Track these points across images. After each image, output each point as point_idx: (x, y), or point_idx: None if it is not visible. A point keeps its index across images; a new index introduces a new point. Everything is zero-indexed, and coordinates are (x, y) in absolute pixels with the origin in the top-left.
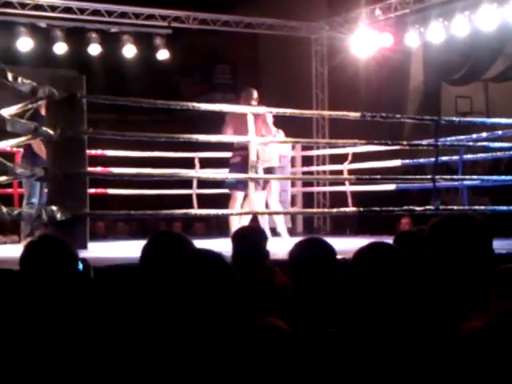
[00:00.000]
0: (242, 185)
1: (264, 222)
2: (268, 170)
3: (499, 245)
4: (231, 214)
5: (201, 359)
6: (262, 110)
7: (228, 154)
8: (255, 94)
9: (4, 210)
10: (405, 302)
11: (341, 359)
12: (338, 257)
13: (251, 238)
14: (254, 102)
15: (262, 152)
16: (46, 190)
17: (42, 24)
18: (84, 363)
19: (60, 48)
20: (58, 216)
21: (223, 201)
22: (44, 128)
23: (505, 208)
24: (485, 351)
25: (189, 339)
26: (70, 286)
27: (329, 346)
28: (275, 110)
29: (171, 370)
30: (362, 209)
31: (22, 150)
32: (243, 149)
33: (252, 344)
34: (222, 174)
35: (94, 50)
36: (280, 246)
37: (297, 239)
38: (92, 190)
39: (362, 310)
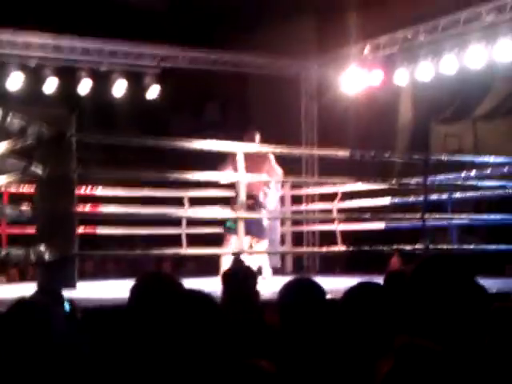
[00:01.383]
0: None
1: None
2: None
3: (488, 284)
4: (222, 253)
5: None
6: (252, 148)
7: (217, 193)
8: (257, 136)
9: None
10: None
11: None
12: (328, 297)
13: (240, 279)
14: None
15: (264, 196)
16: None
17: (32, 63)
18: None
19: (50, 86)
20: (47, 256)
21: (213, 239)
22: (33, 167)
23: (494, 247)
24: None
25: (177, 380)
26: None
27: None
28: (265, 148)
29: None
30: (351, 248)
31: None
32: (252, 197)
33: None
34: (212, 212)
35: (84, 88)
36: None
37: (286, 279)
38: (81, 229)
39: (351, 350)
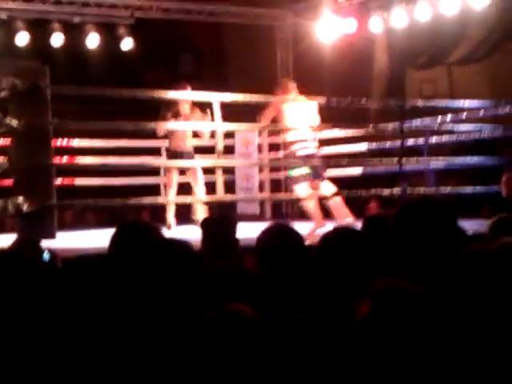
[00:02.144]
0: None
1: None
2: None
3: (465, 226)
4: (200, 201)
5: (167, 347)
6: (227, 96)
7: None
8: (292, 85)
9: None
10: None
11: (309, 344)
12: (306, 242)
13: (219, 225)
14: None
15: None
16: None
17: (3, 15)
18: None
19: (22, 39)
20: (25, 207)
21: (188, 188)
22: (8, 119)
23: (470, 190)
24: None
25: (156, 327)
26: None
27: (298, 331)
28: (241, 98)
29: (137, 357)
30: (329, 194)
31: None
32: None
33: (217, 330)
34: (188, 161)
35: (57, 40)
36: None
37: (265, 225)
38: (59, 181)
39: (329, 295)
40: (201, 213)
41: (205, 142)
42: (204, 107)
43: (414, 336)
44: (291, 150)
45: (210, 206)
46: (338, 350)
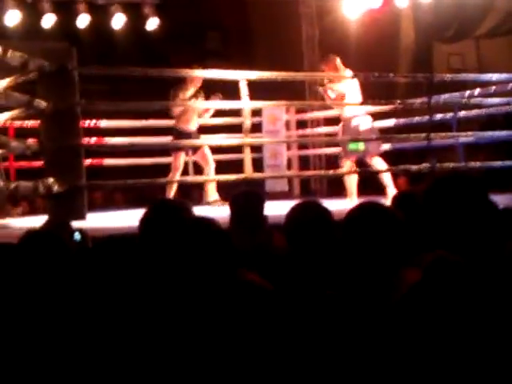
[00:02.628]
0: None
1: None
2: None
3: (496, 200)
4: (228, 180)
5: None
6: (254, 74)
7: (221, 120)
8: (337, 61)
9: (1, 183)
10: (398, 261)
11: (337, 320)
12: (335, 219)
13: (247, 201)
14: (341, 68)
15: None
16: None
17: None
18: (85, 331)
19: (48, 20)
20: (56, 188)
21: (219, 167)
22: (37, 101)
23: (500, 163)
24: (418, 308)
25: (187, 304)
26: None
27: (325, 307)
28: (267, 74)
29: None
30: (357, 169)
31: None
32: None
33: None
34: (217, 140)
35: (83, 21)
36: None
37: (293, 203)
38: (88, 161)
39: (356, 272)
40: (213, 194)
41: (207, 120)
42: (226, 86)
43: (464, 303)
44: (352, 125)
45: (238, 184)
46: (372, 323)
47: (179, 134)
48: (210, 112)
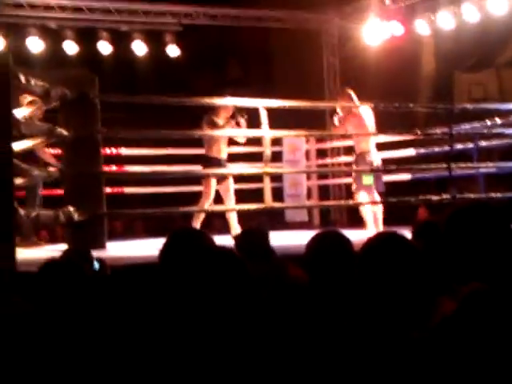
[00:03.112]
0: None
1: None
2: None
3: None
4: (248, 209)
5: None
6: (274, 103)
7: (241, 149)
8: (352, 94)
9: (22, 212)
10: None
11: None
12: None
13: (250, 239)
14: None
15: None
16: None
17: (52, 25)
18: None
19: (71, 48)
20: (76, 217)
21: (239, 196)
22: (58, 129)
23: None
24: (453, 338)
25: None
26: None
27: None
28: (288, 103)
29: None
30: (378, 200)
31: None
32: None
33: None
34: (237, 168)
35: (105, 48)
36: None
37: (314, 233)
38: (108, 190)
39: (372, 302)
40: (236, 227)
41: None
42: (249, 113)
43: (499, 334)
44: (367, 159)
45: (258, 213)
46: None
47: (209, 161)
48: (240, 138)
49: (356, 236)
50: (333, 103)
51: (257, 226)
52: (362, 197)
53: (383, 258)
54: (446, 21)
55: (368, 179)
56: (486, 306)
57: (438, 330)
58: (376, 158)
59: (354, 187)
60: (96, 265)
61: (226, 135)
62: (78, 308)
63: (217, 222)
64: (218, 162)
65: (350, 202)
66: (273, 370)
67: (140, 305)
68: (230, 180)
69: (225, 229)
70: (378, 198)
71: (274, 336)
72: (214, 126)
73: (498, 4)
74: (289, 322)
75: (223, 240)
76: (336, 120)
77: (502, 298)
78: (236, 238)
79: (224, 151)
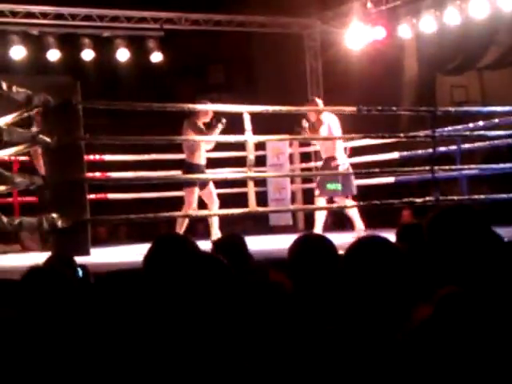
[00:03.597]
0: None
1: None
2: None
3: (500, 233)
4: (232, 214)
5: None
6: (257, 108)
7: (224, 154)
8: (319, 102)
9: (5, 220)
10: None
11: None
12: (339, 252)
13: (226, 247)
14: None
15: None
16: None
17: (34, 31)
18: (84, 368)
19: (53, 55)
20: (59, 223)
21: (223, 200)
22: (41, 136)
23: (504, 196)
24: (430, 341)
25: (191, 339)
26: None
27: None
28: (271, 108)
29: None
30: (361, 203)
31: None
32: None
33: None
34: (222, 174)
35: (88, 55)
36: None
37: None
38: (92, 196)
39: (359, 306)
40: (216, 233)
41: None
42: (231, 118)
43: (477, 337)
44: (335, 164)
45: (242, 218)
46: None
47: (191, 167)
48: (212, 144)
49: (339, 239)
50: (316, 107)
51: (232, 232)
52: (320, 202)
53: (366, 261)
54: (427, 24)
55: (333, 185)
56: (461, 308)
57: (417, 332)
58: (344, 162)
59: (316, 193)
60: (79, 272)
61: (208, 141)
62: (62, 315)
63: (200, 226)
64: (200, 169)
65: (334, 205)
66: (258, 374)
67: (125, 310)
68: (211, 184)
69: (207, 234)
70: (351, 202)
71: (259, 340)
72: (201, 131)
73: (480, 8)
74: (273, 326)
75: (205, 245)
76: (305, 124)
77: (477, 301)
78: (214, 243)
79: (204, 157)
